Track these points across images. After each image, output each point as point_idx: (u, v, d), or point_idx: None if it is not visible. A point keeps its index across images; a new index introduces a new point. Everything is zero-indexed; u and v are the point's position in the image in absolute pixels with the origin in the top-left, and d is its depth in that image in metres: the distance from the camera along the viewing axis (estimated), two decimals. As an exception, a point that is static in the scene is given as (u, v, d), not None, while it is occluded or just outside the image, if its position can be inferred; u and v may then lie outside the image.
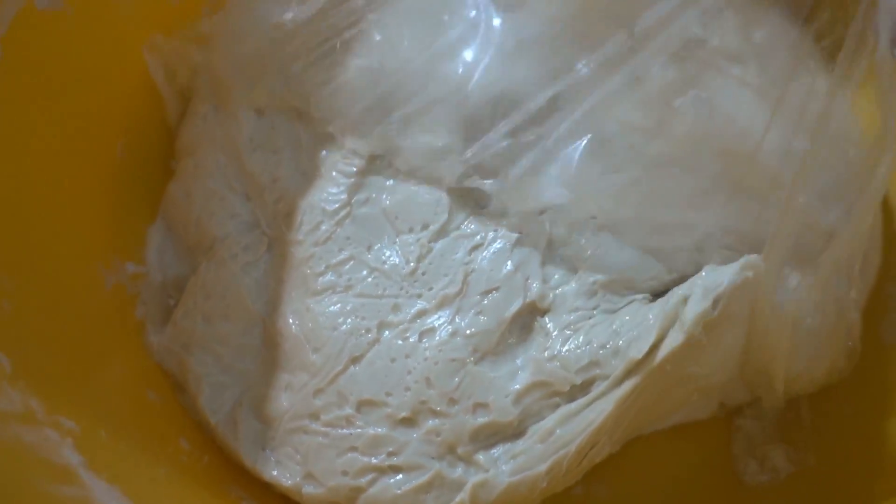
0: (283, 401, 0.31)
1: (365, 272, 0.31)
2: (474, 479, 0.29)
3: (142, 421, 0.31)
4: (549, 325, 0.30)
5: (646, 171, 0.30)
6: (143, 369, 0.33)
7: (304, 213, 0.32)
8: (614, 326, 0.29)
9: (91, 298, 0.32)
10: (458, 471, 0.29)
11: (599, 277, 0.30)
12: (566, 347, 0.29)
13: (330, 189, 0.32)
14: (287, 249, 0.32)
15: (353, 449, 0.30)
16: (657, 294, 0.30)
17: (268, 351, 0.32)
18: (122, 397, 0.31)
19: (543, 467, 0.28)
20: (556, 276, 0.30)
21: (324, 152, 0.33)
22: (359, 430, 0.30)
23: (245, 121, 0.34)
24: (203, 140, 0.35)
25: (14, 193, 0.30)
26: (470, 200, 0.31)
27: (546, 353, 0.29)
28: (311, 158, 0.33)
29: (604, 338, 0.29)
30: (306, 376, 0.30)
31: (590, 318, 0.30)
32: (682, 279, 0.29)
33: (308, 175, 0.33)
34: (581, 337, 0.29)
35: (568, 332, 0.29)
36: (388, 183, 0.32)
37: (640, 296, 0.30)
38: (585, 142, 0.29)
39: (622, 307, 0.30)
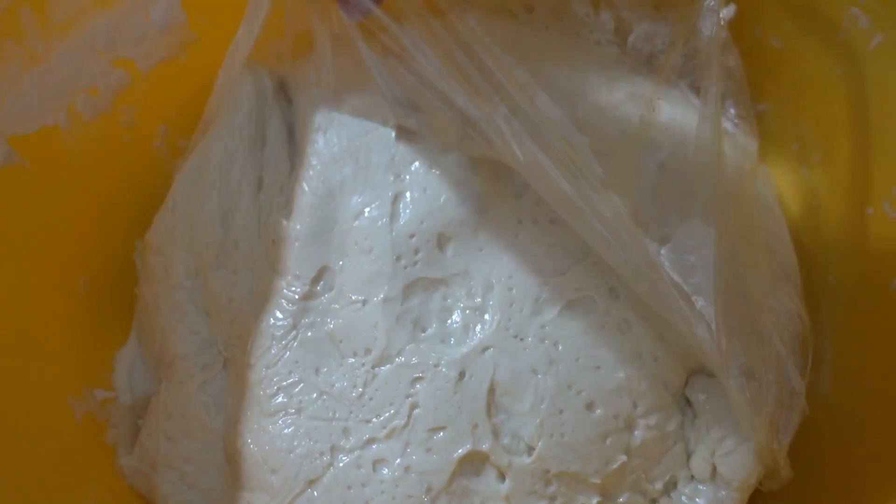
0: None
1: (315, 395, 0.32)
2: None
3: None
4: (507, 491, 0.31)
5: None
6: (118, 493, 0.35)
7: (255, 336, 0.34)
8: None
9: (62, 431, 0.34)
10: None
11: (552, 467, 0.31)
12: None
13: (276, 314, 0.34)
14: (241, 371, 0.34)
15: None
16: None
17: (230, 468, 0.34)
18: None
19: None
20: (507, 441, 0.31)
21: (273, 276, 0.35)
22: None
23: (211, 236, 0.36)
24: (173, 239, 0.36)
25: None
26: (408, 324, 0.33)
27: None
28: (262, 281, 0.35)
29: None
30: (266, 497, 0.32)
31: None
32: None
33: (259, 298, 0.35)
34: None
35: None
36: (332, 306, 0.33)
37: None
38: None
39: None
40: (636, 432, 0.31)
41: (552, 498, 0.31)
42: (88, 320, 0.36)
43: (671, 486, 0.32)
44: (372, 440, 0.32)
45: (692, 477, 0.32)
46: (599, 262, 0.32)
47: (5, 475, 0.30)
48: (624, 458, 0.31)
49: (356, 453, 0.32)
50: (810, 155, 0.37)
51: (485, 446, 0.31)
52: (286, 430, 0.32)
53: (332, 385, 0.33)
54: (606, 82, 0.35)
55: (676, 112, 0.34)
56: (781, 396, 0.31)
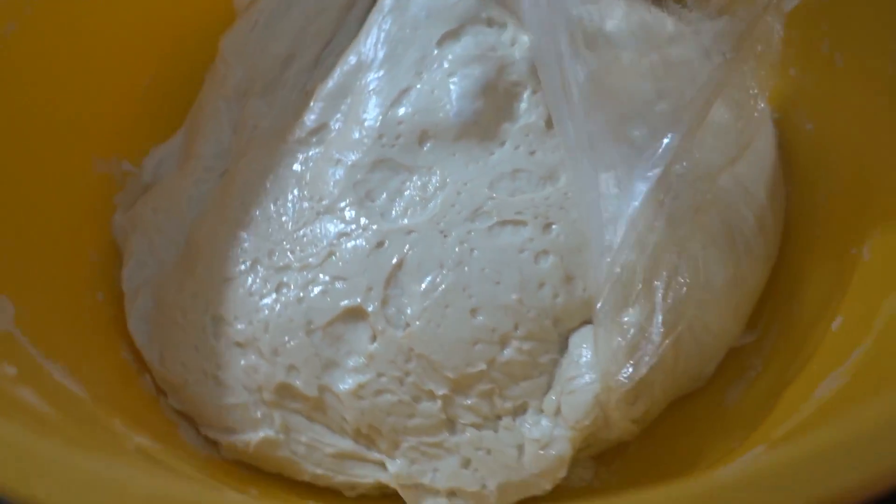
0: (171, 293, 0.38)
1: (263, 217, 0.37)
2: None
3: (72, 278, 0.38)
4: (372, 350, 0.34)
5: None
6: (103, 244, 0.40)
7: (250, 161, 0.39)
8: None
9: (78, 177, 0.40)
10: None
11: (416, 348, 0.33)
12: None
13: (274, 150, 0.39)
14: (228, 182, 0.39)
15: (195, 349, 0.36)
16: None
17: (184, 249, 0.39)
18: (62, 255, 0.38)
19: None
20: (391, 311, 0.34)
21: (288, 119, 0.40)
22: (208, 339, 0.36)
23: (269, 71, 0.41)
24: (240, 54, 0.42)
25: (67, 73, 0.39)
26: (361, 191, 0.36)
27: None
28: (280, 122, 0.40)
29: None
30: (192, 282, 0.37)
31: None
32: None
33: (272, 134, 0.40)
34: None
35: None
36: (315, 157, 0.38)
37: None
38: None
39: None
40: (506, 350, 0.33)
41: (406, 373, 0.33)
42: (147, 109, 0.43)
43: (520, 410, 0.33)
44: (286, 267, 0.35)
45: (542, 410, 0.33)
46: (551, 198, 0.34)
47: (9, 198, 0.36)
48: (483, 367, 0.33)
49: (269, 271, 0.36)
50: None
51: (370, 308, 0.34)
52: (229, 235, 0.37)
53: (281, 215, 0.37)
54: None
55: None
56: (638, 348, 0.31)
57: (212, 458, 0.36)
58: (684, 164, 0.33)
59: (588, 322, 0.33)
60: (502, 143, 0.36)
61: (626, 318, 0.31)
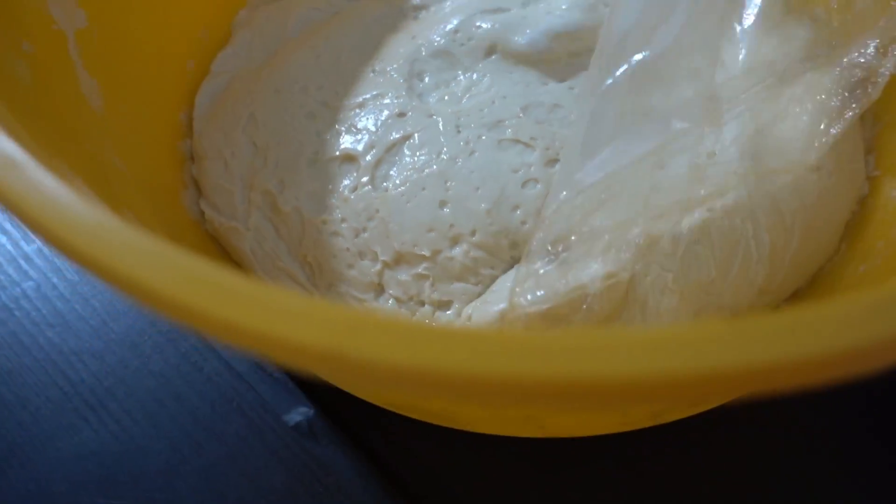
0: (240, 83, 0.41)
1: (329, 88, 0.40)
2: None
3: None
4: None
5: None
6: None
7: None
8: None
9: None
10: None
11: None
12: None
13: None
14: (325, 22, 0.43)
15: (224, 134, 0.39)
16: None
17: (271, 58, 0.42)
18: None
19: None
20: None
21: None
22: (238, 130, 0.39)
23: None
24: None
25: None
26: (416, 68, 0.39)
27: None
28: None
29: None
30: (256, 82, 0.40)
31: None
32: None
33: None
34: None
35: None
36: (405, 25, 0.41)
37: None
38: None
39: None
40: (455, 249, 0.34)
41: (364, 228, 0.36)
42: None
43: (443, 306, 0.35)
44: (324, 102, 0.39)
45: (460, 315, 0.34)
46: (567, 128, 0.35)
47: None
48: (427, 253, 0.34)
49: (310, 99, 0.39)
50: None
51: (364, 161, 0.36)
52: (303, 60, 0.40)
53: (346, 63, 0.40)
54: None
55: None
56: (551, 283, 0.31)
57: (196, 225, 0.39)
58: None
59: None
60: (561, 80, 0.37)
61: (562, 252, 0.32)
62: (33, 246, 0.43)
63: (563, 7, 0.39)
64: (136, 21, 0.38)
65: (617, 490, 0.36)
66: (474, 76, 0.38)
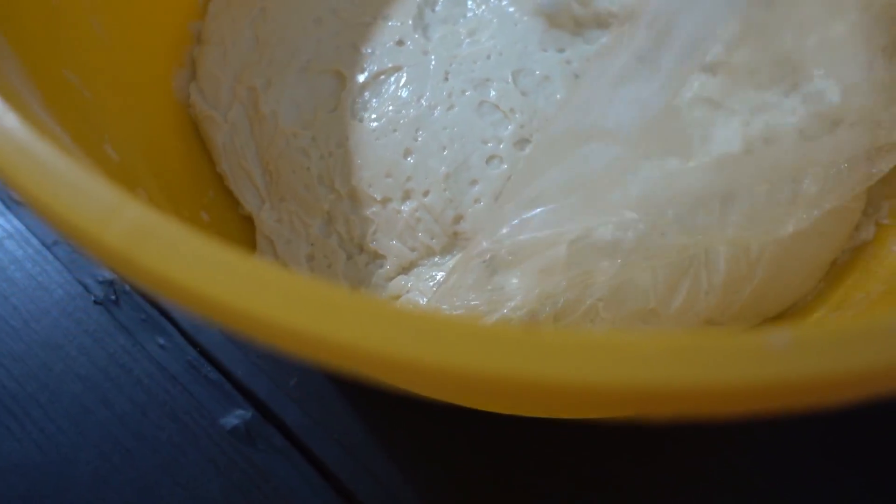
0: None
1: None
2: None
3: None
4: None
5: None
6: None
7: None
8: None
9: None
10: None
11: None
12: None
13: None
14: None
15: (232, 21, 0.38)
16: None
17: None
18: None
19: None
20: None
21: None
22: (244, 27, 0.38)
23: None
24: None
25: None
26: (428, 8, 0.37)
27: None
28: None
29: None
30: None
31: None
32: None
33: None
34: None
35: None
36: None
37: None
38: None
39: None
40: (405, 204, 0.33)
41: (330, 154, 0.35)
42: None
43: (377, 258, 0.34)
44: (338, 9, 0.37)
45: (390, 279, 0.34)
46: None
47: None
48: (378, 198, 0.34)
49: (328, 13, 0.37)
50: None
51: (350, 83, 0.36)
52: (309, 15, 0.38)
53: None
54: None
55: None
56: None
57: (180, 108, 0.38)
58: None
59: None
60: (560, 50, 0.35)
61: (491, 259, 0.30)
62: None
63: None
64: None
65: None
66: (483, 16, 0.36)
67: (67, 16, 0.30)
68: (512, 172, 0.32)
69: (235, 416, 0.35)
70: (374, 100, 0.35)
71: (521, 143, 0.33)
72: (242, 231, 0.36)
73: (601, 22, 0.35)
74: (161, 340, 0.37)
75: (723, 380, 0.14)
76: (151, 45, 0.36)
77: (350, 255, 0.34)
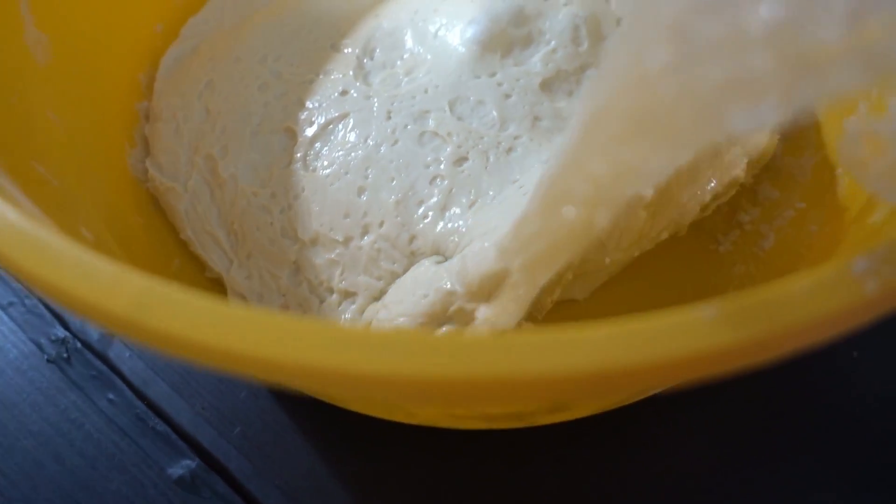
0: (209, 44, 0.41)
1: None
2: None
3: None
4: None
5: None
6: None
7: None
8: None
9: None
10: None
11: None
12: None
13: None
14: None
15: (181, 95, 0.40)
16: None
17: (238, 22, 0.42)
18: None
19: None
20: None
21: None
22: (195, 96, 0.39)
23: None
24: None
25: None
26: (370, 46, 0.40)
27: None
28: None
29: None
30: (223, 45, 0.41)
31: None
32: None
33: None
34: None
35: None
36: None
37: None
38: None
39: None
40: (364, 239, 0.35)
41: (289, 206, 0.37)
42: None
43: (349, 296, 0.35)
44: (279, 74, 0.40)
45: (362, 312, 0.35)
46: (486, 139, 0.35)
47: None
48: (340, 239, 0.35)
49: (265, 71, 0.40)
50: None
51: (301, 136, 0.37)
52: (263, 28, 0.41)
53: (304, 38, 0.40)
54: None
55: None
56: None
57: (136, 183, 0.39)
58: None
59: (437, 256, 0.34)
60: (492, 75, 0.37)
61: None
62: None
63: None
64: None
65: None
66: (419, 54, 0.38)
67: (27, 112, 0.32)
68: (453, 186, 0.34)
69: (181, 466, 0.36)
70: (325, 148, 0.36)
71: (460, 160, 0.35)
72: (212, 293, 0.37)
73: (529, 40, 0.38)
74: (111, 395, 0.38)
75: (666, 353, 0.17)
76: (104, 130, 0.38)
77: (322, 300, 0.35)
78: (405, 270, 0.34)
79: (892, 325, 0.28)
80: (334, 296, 0.35)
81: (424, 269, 0.33)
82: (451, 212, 0.34)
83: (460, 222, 0.34)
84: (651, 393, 0.33)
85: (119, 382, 0.39)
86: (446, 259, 0.33)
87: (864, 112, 0.34)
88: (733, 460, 0.36)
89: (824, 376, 0.38)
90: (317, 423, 0.37)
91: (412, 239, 0.34)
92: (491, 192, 0.34)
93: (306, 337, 0.18)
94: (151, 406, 0.38)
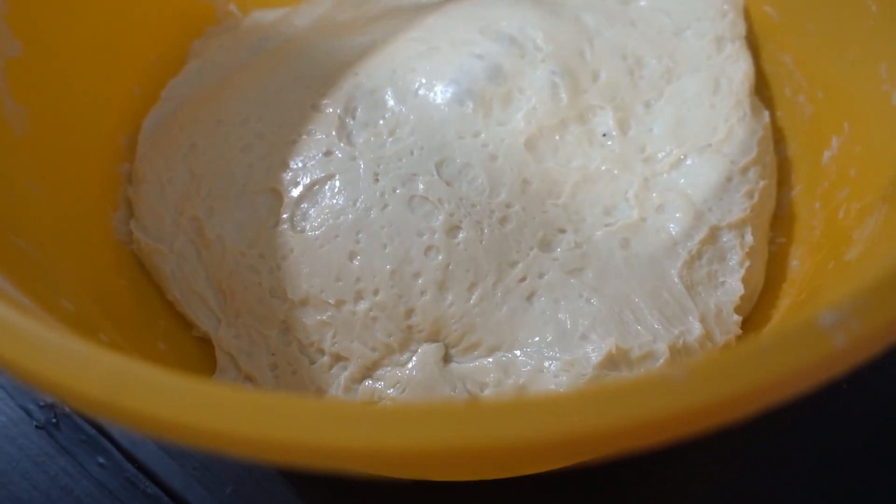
0: (188, 109, 0.42)
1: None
2: None
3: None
4: None
5: None
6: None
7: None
8: None
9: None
10: None
11: None
12: None
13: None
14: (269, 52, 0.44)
15: (165, 159, 0.40)
16: None
17: (217, 84, 0.43)
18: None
19: None
20: None
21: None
22: (178, 158, 0.40)
23: None
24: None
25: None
26: (351, 105, 0.40)
27: None
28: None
29: None
30: (203, 110, 0.41)
31: None
32: None
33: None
34: None
35: None
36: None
37: None
38: None
39: None
40: (359, 304, 0.35)
41: (278, 266, 0.37)
42: None
43: (341, 360, 0.35)
44: (261, 134, 0.40)
45: (355, 381, 0.36)
46: (478, 207, 0.36)
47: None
48: (332, 301, 0.35)
49: (247, 132, 0.40)
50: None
51: (287, 197, 0.38)
52: (244, 89, 0.42)
53: (289, 94, 0.41)
54: None
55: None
56: None
57: (120, 245, 0.39)
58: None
59: (432, 341, 0.35)
60: (476, 135, 0.38)
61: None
62: None
63: (490, 46, 0.40)
64: (79, 50, 0.39)
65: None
66: (401, 113, 0.39)
67: (5, 185, 0.32)
68: (449, 262, 0.35)
69: (172, 529, 0.36)
70: (312, 210, 0.37)
71: (453, 230, 0.36)
72: (200, 351, 0.38)
73: (509, 99, 0.39)
74: (101, 459, 0.38)
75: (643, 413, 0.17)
76: (86, 195, 0.38)
77: (313, 360, 0.35)
78: (400, 346, 0.35)
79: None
80: (325, 357, 0.35)
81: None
82: (452, 293, 0.35)
83: (463, 309, 0.34)
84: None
85: (108, 445, 0.38)
86: (445, 346, 0.35)
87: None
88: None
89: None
90: (308, 479, 0.37)
91: (409, 313, 0.35)
92: (490, 278, 0.35)
93: (282, 413, 0.18)
94: (142, 469, 0.38)
